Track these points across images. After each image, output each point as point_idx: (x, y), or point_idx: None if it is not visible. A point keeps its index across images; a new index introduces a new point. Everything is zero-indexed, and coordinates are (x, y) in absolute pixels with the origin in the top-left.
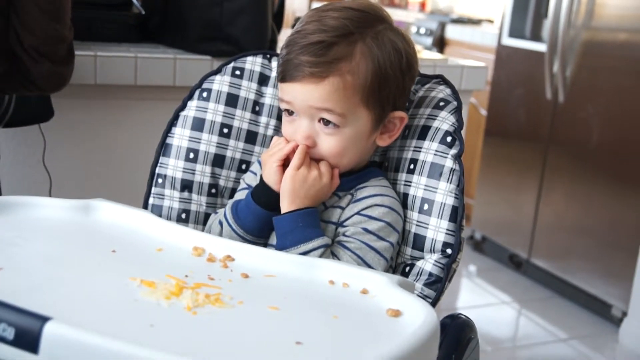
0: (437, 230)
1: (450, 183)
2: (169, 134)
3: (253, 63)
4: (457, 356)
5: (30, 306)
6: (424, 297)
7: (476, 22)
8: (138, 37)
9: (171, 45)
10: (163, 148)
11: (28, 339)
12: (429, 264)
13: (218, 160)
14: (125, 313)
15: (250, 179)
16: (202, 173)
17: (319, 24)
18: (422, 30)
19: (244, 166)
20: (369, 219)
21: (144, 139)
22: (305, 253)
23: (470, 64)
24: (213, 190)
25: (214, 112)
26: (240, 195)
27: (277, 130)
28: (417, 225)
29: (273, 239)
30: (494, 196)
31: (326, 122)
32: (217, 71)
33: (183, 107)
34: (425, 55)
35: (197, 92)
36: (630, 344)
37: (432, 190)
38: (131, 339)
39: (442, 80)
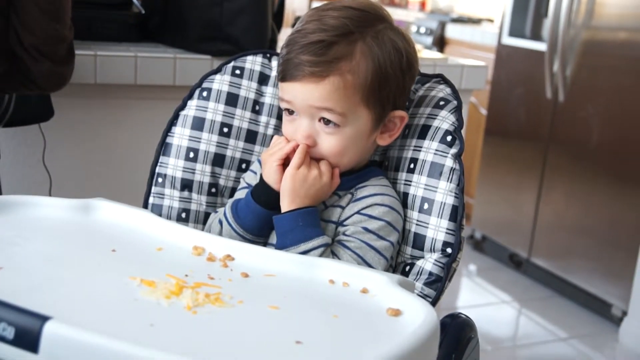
0: (437, 229)
1: (451, 182)
2: (169, 134)
3: (253, 62)
4: (457, 355)
5: (30, 306)
6: (424, 296)
7: (476, 21)
8: (138, 37)
9: (171, 44)
10: (163, 147)
11: (28, 339)
12: (429, 263)
13: (218, 160)
14: (125, 312)
15: (250, 178)
16: (202, 172)
17: (319, 23)
18: (422, 30)
19: (244, 165)
20: (369, 218)
21: (144, 139)
22: (305, 252)
23: (470, 63)
24: (213, 190)
25: (214, 111)
26: (240, 194)
27: (277, 129)
28: (417, 224)
29: (273, 238)
30: (494, 195)
31: (326, 122)
32: (217, 70)
33: (183, 106)
34: (425, 54)
35: (197, 92)
36: (630, 343)
37: (432, 190)
38: (131, 339)
39: (442, 79)
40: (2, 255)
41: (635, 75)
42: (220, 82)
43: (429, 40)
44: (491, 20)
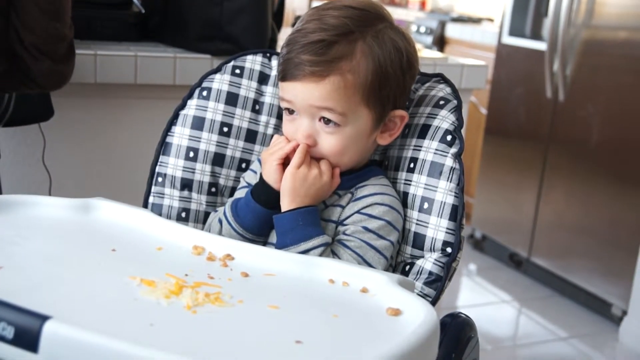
0: (437, 229)
1: (450, 182)
2: (169, 133)
3: (253, 62)
4: (457, 355)
5: (30, 305)
6: (424, 296)
7: (476, 20)
8: (138, 36)
9: (171, 44)
10: (163, 147)
11: (28, 338)
12: (429, 262)
13: (218, 159)
14: (125, 312)
15: (250, 178)
16: (202, 172)
17: (320, 22)
18: (423, 29)
19: (244, 165)
20: (369, 218)
21: (144, 138)
22: (305, 251)
23: (470, 63)
24: (213, 189)
25: (214, 110)
26: (240, 193)
27: (277, 128)
28: (417, 224)
29: (273, 238)
30: (494, 195)
31: (327, 121)
32: (217, 70)
33: (183, 106)
34: (426, 54)
35: (197, 91)
36: (630, 342)
37: (432, 189)
38: (131, 338)
39: (442, 78)
40: (2, 254)
41: (636, 75)
42: (220, 82)
43: (429, 39)
44: (491, 20)
